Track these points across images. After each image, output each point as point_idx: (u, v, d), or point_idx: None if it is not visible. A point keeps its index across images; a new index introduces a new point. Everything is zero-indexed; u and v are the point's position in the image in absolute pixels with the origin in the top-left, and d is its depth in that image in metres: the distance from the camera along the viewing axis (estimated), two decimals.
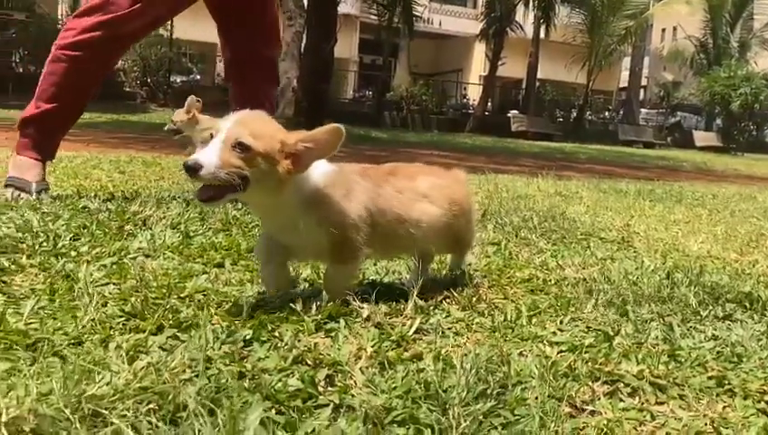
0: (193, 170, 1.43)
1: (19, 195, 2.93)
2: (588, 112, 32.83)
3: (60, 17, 16.72)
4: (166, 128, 5.05)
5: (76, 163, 4.83)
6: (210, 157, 1.44)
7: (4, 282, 1.77)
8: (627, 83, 36.78)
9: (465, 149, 13.21)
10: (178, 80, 18.06)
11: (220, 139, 1.47)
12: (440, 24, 33.54)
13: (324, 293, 1.71)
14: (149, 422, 1.00)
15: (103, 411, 1.01)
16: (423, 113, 24.55)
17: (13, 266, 1.88)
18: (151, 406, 1.07)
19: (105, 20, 3.04)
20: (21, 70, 15.63)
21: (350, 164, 1.79)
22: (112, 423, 0.98)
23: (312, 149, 1.54)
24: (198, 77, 19.38)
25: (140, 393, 1.11)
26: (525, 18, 28.47)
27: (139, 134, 9.90)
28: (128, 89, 16.44)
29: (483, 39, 28.62)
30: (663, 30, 43.82)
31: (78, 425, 0.99)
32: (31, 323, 1.46)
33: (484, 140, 19.08)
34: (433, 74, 32.32)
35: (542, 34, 29.10)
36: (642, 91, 40.41)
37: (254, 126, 1.51)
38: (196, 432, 0.98)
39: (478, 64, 33.44)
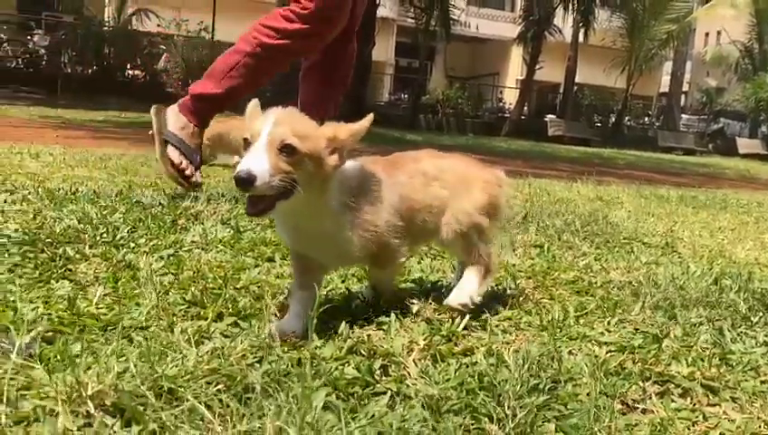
0: (247, 183, 1.29)
1: (181, 163, 3.14)
2: (626, 118, 32.25)
3: (106, 19, 17.27)
4: (150, 132, 5.11)
5: (125, 160, 4.99)
6: (262, 165, 1.31)
7: (69, 270, 1.86)
8: (668, 88, 36.00)
9: (502, 153, 13.13)
10: None
11: (263, 142, 1.34)
12: (477, 27, 33.42)
13: (373, 288, 1.72)
14: (220, 401, 1.06)
15: (179, 390, 1.07)
16: (458, 117, 24.51)
17: (77, 256, 1.98)
18: (220, 386, 1.13)
19: (313, 32, 3.12)
20: (69, 70, 16.19)
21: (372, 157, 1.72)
22: (187, 400, 1.04)
23: (351, 144, 1.48)
24: None
25: (209, 374, 1.17)
26: (564, 22, 28.15)
27: None
28: (169, 90, 16.83)
29: (520, 42, 28.40)
30: (706, 34, 42.80)
31: (154, 401, 1.05)
32: (100, 308, 1.54)
33: (520, 144, 18.93)
34: (469, 78, 32.23)
35: (580, 38, 28.74)
36: (683, 96, 39.51)
37: (296, 125, 1.40)
38: (265, 412, 1.03)
39: (515, 68, 33.20)
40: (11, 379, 1.09)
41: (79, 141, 6.89)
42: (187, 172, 3.17)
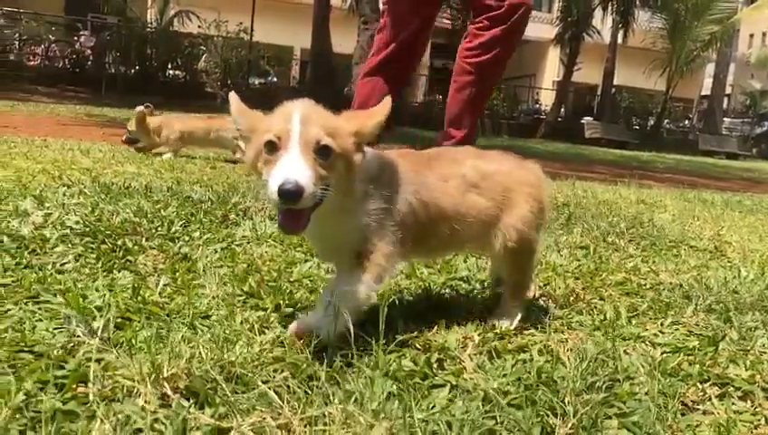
0: (296, 196, 1.13)
1: None
2: (666, 120, 31.55)
3: (149, 21, 17.70)
4: (123, 138, 5.40)
5: (169, 157, 5.11)
6: (306, 173, 1.15)
7: (129, 260, 1.93)
8: (709, 91, 35.10)
9: (539, 155, 12.96)
10: (256, 81, 18.69)
11: (297, 145, 1.19)
12: None
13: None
14: (288, 387, 1.09)
15: (247, 375, 1.11)
16: (494, 118, 24.32)
17: (136, 247, 2.05)
18: (285, 374, 1.16)
19: (513, 28, 3.25)
20: (113, 70, 16.64)
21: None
22: (256, 386, 1.07)
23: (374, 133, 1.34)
24: (275, 79, 20.01)
25: (274, 362, 1.20)
26: (603, 23, 27.69)
27: None
28: (209, 90, 17.16)
29: (557, 44, 28.04)
30: (751, 35, 41.60)
31: (224, 385, 1.09)
32: (163, 297, 1.60)
33: (556, 146, 18.71)
34: (504, 79, 31.94)
35: (619, 39, 28.23)
36: (726, 99, 38.47)
37: (326, 122, 1.26)
38: (331, 399, 1.05)
39: (552, 69, 32.79)
40: (97, 360, 1.14)
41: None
42: None
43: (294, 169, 1.15)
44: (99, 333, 1.30)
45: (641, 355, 1.49)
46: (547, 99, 30.43)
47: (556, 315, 1.78)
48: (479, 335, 1.50)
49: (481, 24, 3.26)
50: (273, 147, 1.21)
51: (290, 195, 1.12)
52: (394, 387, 1.17)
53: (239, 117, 1.34)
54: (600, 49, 28.51)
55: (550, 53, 31.82)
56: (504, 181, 1.57)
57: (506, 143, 17.59)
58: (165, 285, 1.70)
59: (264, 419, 0.97)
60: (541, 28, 32.62)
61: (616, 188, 5.96)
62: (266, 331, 1.40)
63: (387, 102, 1.37)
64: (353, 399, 1.05)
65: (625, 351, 1.52)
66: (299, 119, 1.22)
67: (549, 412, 1.09)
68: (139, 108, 5.29)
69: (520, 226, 1.55)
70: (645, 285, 2.20)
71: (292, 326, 1.36)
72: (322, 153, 1.21)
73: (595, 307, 1.87)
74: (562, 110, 28.85)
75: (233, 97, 1.39)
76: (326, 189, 1.20)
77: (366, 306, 1.34)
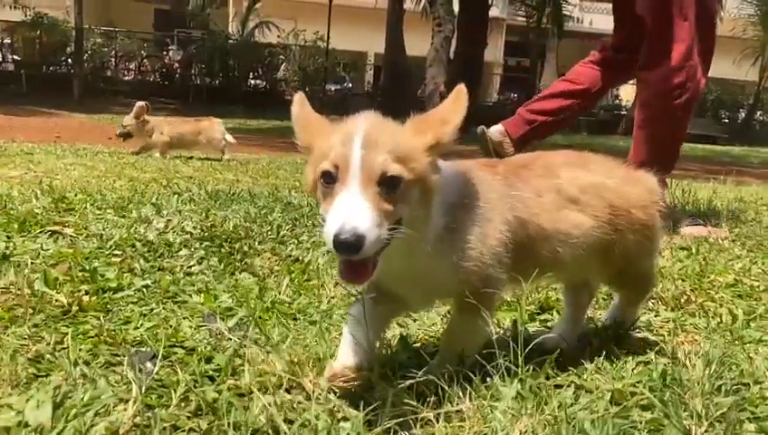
0: (356, 249, 0.93)
1: None
2: (758, 113, 29.63)
3: (232, 33, 18.51)
4: (117, 132, 5.70)
5: (262, 164, 5.35)
6: (367, 218, 0.94)
7: (247, 263, 2.06)
8: None
9: (620, 152, 12.53)
10: (332, 88, 19.12)
11: (356, 177, 0.98)
12: (591, 22, 32.11)
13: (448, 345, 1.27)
14: (426, 385, 1.15)
15: (387, 372, 1.18)
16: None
17: (251, 251, 2.18)
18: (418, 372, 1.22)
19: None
20: (198, 81, 17.52)
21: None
22: (396, 383, 1.14)
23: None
24: (350, 85, 20.39)
25: (405, 361, 1.27)
26: None
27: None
28: (288, 97, 17.70)
29: None
30: None
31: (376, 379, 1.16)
32: (287, 297, 1.71)
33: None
34: None
35: None
36: None
37: (393, 143, 1.02)
38: (461, 397, 1.11)
39: None
40: (239, 356, 1.25)
41: None
42: None
43: (353, 212, 0.94)
44: (237, 331, 1.42)
45: (765, 359, 1.45)
46: (628, 93, 29.27)
47: (668, 318, 1.76)
48: (595, 337, 1.51)
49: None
50: (330, 178, 1.01)
51: (348, 247, 0.93)
52: (519, 386, 1.21)
53: (298, 128, 1.14)
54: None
55: None
56: (610, 198, 1.35)
57: (586, 141, 17.09)
58: (286, 286, 1.81)
59: (406, 414, 1.03)
60: None
61: (710, 185, 5.70)
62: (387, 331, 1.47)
63: (461, 95, 1.11)
64: (488, 396, 1.09)
65: (748, 355, 1.49)
66: (360, 142, 1.00)
67: (676, 415, 1.10)
68: (140, 103, 5.66)
69: (628, 255, 1.37)
70: (758, 287, 2.12)
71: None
72: (390, 185, 0.98)
73: (708, 310, 1.83)
74: None
75: (296, 101, 1.18)
76: (396, 228, 0.99)
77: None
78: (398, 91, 19.66)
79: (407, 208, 1.01)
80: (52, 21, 15.89)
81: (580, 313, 1.54)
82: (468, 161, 1.29)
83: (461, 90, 1.11)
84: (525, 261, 1.24)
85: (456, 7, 15.83)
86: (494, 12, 20.41)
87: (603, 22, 32.54)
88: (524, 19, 24.11)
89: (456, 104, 1.10)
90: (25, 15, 15.53)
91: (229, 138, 5.65)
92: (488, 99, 25.91)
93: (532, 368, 1.27)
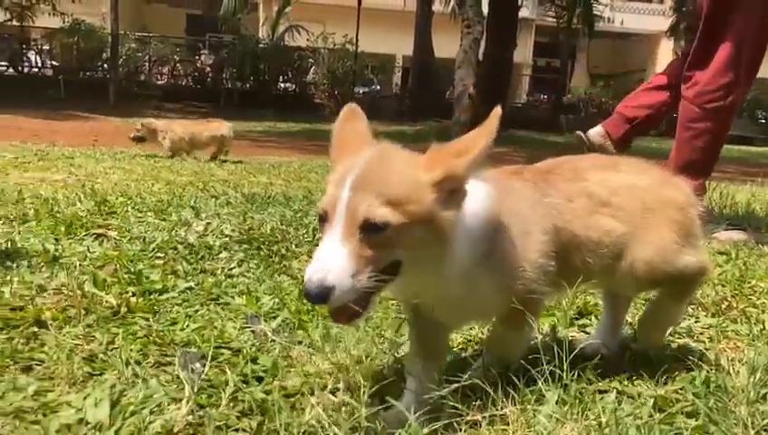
0: (321, 299, 0.91)
1: None
2: None
3: (262, 37, 18.73)
4: (131, 136, 5.94)
5: (294, 168, 5.41)
6: (337, 268, 0.91)
7: (285, 265, 2.10)
8: None
9: (653, 153, 12.32)
10: (360, 90, 19.22)
11: (339, 224, 0.94)
12: (622, 22, 31.64)
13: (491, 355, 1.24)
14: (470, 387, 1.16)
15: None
16: (603, 116, 23.40)
17: (289, 253, 2.22)
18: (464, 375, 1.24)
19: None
20: (229, 85, 17.79)
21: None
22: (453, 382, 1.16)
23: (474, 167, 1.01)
24: (378, 87, 20.46)
25: (447, 364, 1.28)
26: None
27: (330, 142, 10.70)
28: (317, 100, 17.87)
29: (671, 36, 26.49)
30: None
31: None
32: None
33: (671, 143, 17.64)
34: (613, 75, 30.62)
35: None
36: None
37: (386, 183, 0.97)
38: (504, 402, 1.12)
39: (665, 63, 30.95)
40: (284, 357, 1.28)
41: (247, 150, 7.55)
42: None
43: (326, 261, 0.92)
44: (280, 332, 1.45)
45: None
46: None
47: (708, 323, 1.74)
48: (631, 343, 1.51)
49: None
50: (321, 219, 0.98)
51: (314, 298, 0.91)
52: (563, 390, 1.21)
53: (334, 142, 1.11)
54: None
55: (662, 45, 30.10)
56: (644, 198, 1.28)
57: None
58: None
59: (452, 416, 1.04)
60: (651, 20, 30.97)
61: (747, 187, 5.58)
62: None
63: (493, 120, 1.02)
64: (532, 400, 1.10)
65: None
66: (350, 184, 0.95)
67: (722, 423, 1.09)
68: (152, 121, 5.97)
69: (658, 260, 1.26)
70: None
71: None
72: (374, 231, 0.94)
73: (750, 316, 1.81)
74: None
75: (345, 113, 1.15)
76: (378, 277, 0.94)
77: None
78: (426, 93, 19.65)
79: (403, 252, 0.97)
80: (89, 27, 16.32)
81: (620, 317, 1.52)
82: (493, 171, 1.22)
83: (496, 114, 1.02)
84: (559, 271, 1.18)
85: (485, 9, 15.75)
86: (523, 12, 20.27)
87: (634, 21, 32.05)
88: (554, 19, 23.85)
89: (483, 130, 1.01)
90: (63, 22, 15.98)
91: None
92: (518, 100, 25.70)
93: (576, 373, 1.28)
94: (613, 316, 1.51)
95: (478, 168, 1.01)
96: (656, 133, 21.76)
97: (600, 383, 1.28)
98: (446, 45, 18.52)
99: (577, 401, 1.08)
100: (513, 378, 1.12)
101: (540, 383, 1.09)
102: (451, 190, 0.99)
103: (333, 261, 0.92)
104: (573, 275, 1.21)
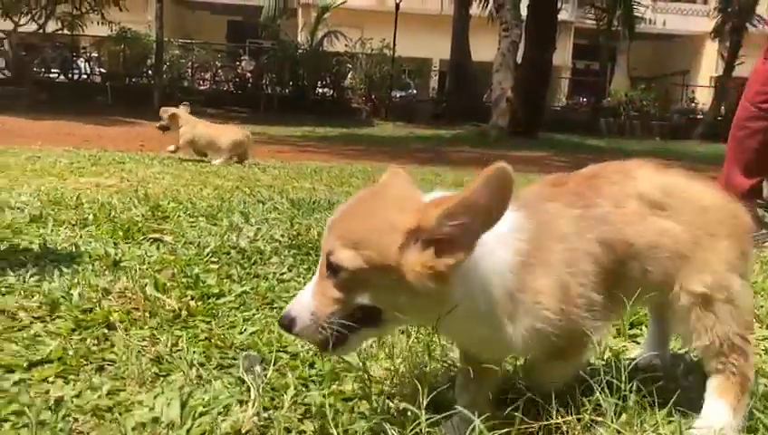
0: (284, 328, 0.99)
1: None
2: None
3: (301, 43, 19.00)
4: (157, 125, 6.18)
5: (335, 173, 5.48)
6: (300, 303, 0.98)
7: None
8: None
9: (697, 158, 12.03)
10: (397, 95, 19.29)
11: (321, 262, 0.99)
12: (664, 23, 30.97)
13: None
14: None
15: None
16: (643, 119, 22.89)
17: None
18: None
19: None
20: (269, 91, 18.08)
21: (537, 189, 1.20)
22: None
23: (466, 224, 0.93)
24: (415, 91, 20.50)
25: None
26: None
27: (369, 146, 10.79)
28: (354, 105, 18.01)
29: (716, 37, 25.81)
30: None
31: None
32: None
33: (717, 147, 17.12)
34: (654, 77, 29.98)
35: None
36: None
37: (352, 224, 0.98)
38: (561, 412, 1.13)
39: (709, 64, 30.17)
40: (339, 362, 1.32)
41: (288, 155, 7.68)
42: None
43: (299, 296, 1.00)
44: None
45: None
46: (703, 97, 28.05)
47: (764, 335, 1.72)
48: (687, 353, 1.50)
49: None
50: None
51: (281, 326, 0.99)
52: (620, 402, 1.22)
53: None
54: (765, 40, 25.73)
55: (706, 47, 29.33)
56: (702, 201, 1.17)
57: (659, 146, 16.51)
58: None
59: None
60: (695, 21, 30.25)
61: None
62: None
63: (485, 178, 0.90)
64: (590, 411, 1.11)
65: None
66: (329, 222, 1.01)
67: None
68: (184, 105, 6.28)
69: (721, 270, 1.13)
70: None
71: None
72: (334, 272, 0.95)
73: None
74: (722, 108, 26.42)
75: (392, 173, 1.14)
76: (346, 320, 0.96)
77: None
78: (463, 96, 19.61)
79: (371, 297, 0.95)
80: (134, 35, 16.83)
81: (668, 329, 1.46)
82: (531, 193, 1.16)
83: (487, 174, 0.90)
84: (617, 288, 1.11)
85: (523, 12, 15.64)
86: (562, 15, 20.08)
87: (677, 22, 31.32)
88: (593, 22, 23.51)
89: (472, 184, 0.91)
90: (111, 30, 16.51)
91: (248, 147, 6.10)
92: (556, 103, 25.40)
93: (633, 384, 1.28)
94: (662, 328, 1.47)
95: (474, 225, 0.92)
96: (698, 136, 21.20)
97: (656, 395, 1.28)
98: (484, 49, 18.45)
99: (636, 412, 1.09)
100: (572, 388, 1.13)
101: (597, 393, 1.10)
102: (431, 239, 0.93)
103: (301, 296, 0.99)
104: (629, 292, 1.11)
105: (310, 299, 0.97)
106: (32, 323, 1.53)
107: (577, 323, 1.04)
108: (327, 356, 1.12)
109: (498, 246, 1.00)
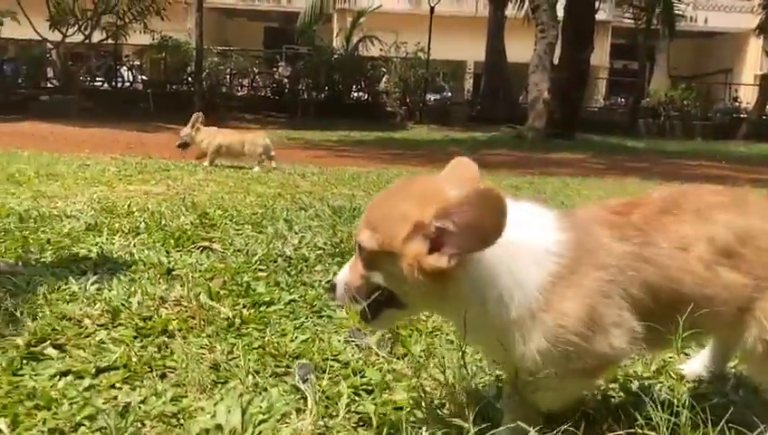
0: (328, 291, 1.22)
1: None
2: None
3: (336, 48, 19.14)
4: (177, 143, 6.19)
5: (372, 178, 5.52)
6: (341, 273, 1.11)
7: None
8: None
9: (742, 159, 11.72)
10: (432, 98, 19.26)
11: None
12: (705, 21, 30.19)
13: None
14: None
15: None
16: (684, 119, 22.33)
17: None
18: None
19: None
20: (306, 96, 18.27)
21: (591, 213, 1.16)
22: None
23: (453, 232, 0.96)
24: (449, 94, 20.42)
25: None
26: None
27: (404, 150, 10.83)
28: (389, 108, 18.05)
29: (760, 34, 25.04)
30: None
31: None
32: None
33: (762, 147, 16.67)
34: (695, 76, 29.24)
35: None
36: None
37: (376, 208, 1.08)
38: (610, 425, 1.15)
39: (753, 62, 29.28)
40: (389, 370, 1.36)
41: (325, 160, 7.76)
42: None
43: (344, 268, 1.13)
44: (382, 347, 1.53)
45: None
46: (747, 95, 27.24)
47: None
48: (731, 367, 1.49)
49: None
50: None
51: (326, 290, 1.21)
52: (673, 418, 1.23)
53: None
54: None
55: (751, 44, 28.47)
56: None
57: (701, 147, 16.10)
58: None
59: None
60: (738, 18, 29.41)
61: None
62: None
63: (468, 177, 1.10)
64: (643, 425, 1.13)
65: None
66: (368, 205, 1.13)
67: None
68: (196, 114, 6.29)
69: None
70: None
71: None
72: (359, 249, 1.07)
73: None
74: (767, 107, 25.61)
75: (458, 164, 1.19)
76: (380, 295, 1.05)
77: None
78: (498, 98, 19.47)
79: (384, 279, 1.03)
80: (175, 43, 17.21)
81: (730, 350, 1.43)
82: (587, 216, 1.14)
83: (479, 192, 0.95)
84: (655, 328, 1.07)
85: (559, 12, 15.47)
86: (599, 15, 19.80)
87: (720, 19, 30.49)
88: (632, 21, 23.07)
89: (471, 195, 0.95)
90: (153, 39, 16.94)
91: (270, 151, 6.17)
92: (594, 104, 25.01)
93: (686, 401, 1.28)
94: (725, 347, 1.43)
95: (458, 239, 0.95)
96: (742, 136, 20.58)
97: (708, 412, 1.28)
98: (519, 50, 18.28)
99: (688, 428, 1.10)
100: (623, 400, 1.15)
101: (649, 408, 1.11)
102: (429, 237, 0.97)
103: (344, 268, 1.12)
104: (671, 331, 1.09)
105: (347, 271, 1.09)
106: (96, 330, 1.61)
107: (602, 348, 1.03)
108: (367, 327, 1.24)
109: (531, 264, 1.01)
